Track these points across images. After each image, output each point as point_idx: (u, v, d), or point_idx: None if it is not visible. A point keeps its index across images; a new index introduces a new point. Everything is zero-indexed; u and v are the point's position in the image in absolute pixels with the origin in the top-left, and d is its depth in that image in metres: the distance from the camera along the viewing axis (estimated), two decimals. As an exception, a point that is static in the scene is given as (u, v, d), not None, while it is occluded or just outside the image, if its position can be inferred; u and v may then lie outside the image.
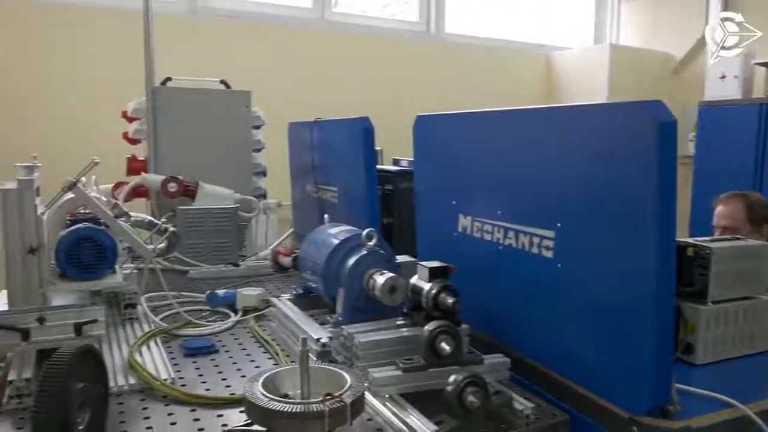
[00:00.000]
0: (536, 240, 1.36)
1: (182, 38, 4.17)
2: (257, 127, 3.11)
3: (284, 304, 1.80)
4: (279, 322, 1.76)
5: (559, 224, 1.30)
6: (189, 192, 2.65)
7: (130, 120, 2.99)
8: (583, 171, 1.25)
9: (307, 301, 1.82)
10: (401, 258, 1.64)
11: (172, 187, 2.61)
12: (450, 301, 1.31)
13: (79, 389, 1.05)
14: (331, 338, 1.46)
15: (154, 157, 2.87)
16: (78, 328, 1.43)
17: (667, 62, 5.75)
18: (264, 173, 3.13)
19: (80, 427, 1.04)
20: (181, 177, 2.64)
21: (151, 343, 1.61)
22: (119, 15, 3.98)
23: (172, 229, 1.77)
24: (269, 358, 1.56)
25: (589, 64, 5.66)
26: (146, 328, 1.72)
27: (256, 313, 1.88)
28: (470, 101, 3.66)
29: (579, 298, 1.27)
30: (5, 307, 1.45)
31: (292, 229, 2.94)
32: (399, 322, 1.43)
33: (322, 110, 2.59)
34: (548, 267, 1.32)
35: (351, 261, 1.52)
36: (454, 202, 1.64)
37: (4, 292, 1.48)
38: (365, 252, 1.52)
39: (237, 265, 2.47)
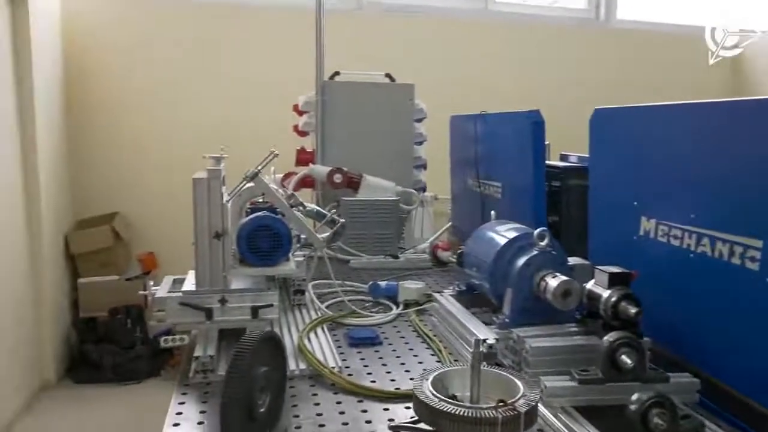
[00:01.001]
0: (738, 249, 1.20)
1: (349, 33, 4.31)
2: (419, 120, 3.11)
3: (447, 299, 1.77)
4: (441, 318, 1.74)
5: (769, 233, 1.14)
6: (353, 183, 2.72)
7: (300, 113, 3.13)
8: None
9: (469, 297, 1.78)
10: (573, 260, 1.54)
11: (338, 178, 2.70)
12: (632, 311, 1.20)
13: (262, 373, 1.10)
14: (497, 340, 1.41)
15: (321, 149, 2.99)
16: (255, 311, 1.51)
17: None
18: (424, 166, 3.13)
19: (261, 409, 1.08)
20: (346, 168, 2.72)
21: (318, 330, 1.66)
22: (291, 13, 4.21)
23: (342, 221, 1.81)
24: (432, 354, 1.55)
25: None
26: (312, 315, 1.79)
27: (417, 307, 1.88)
28: (645, 92, 3.41)
29: (792, 319, 1.11)
30: (193, 287, 1.56)
31: (450, 223, 2.92)
32: (572, 329, 1.35)
33: (484, 103, 2.52)
34: (753, 281, 1.16)
35: (521, 261, 1.45)
36: (635, 203, 1.51)
37: (192, 272, 1.60)
38: (536, 252, 1.45)
39: (396, 257, 2.49)
